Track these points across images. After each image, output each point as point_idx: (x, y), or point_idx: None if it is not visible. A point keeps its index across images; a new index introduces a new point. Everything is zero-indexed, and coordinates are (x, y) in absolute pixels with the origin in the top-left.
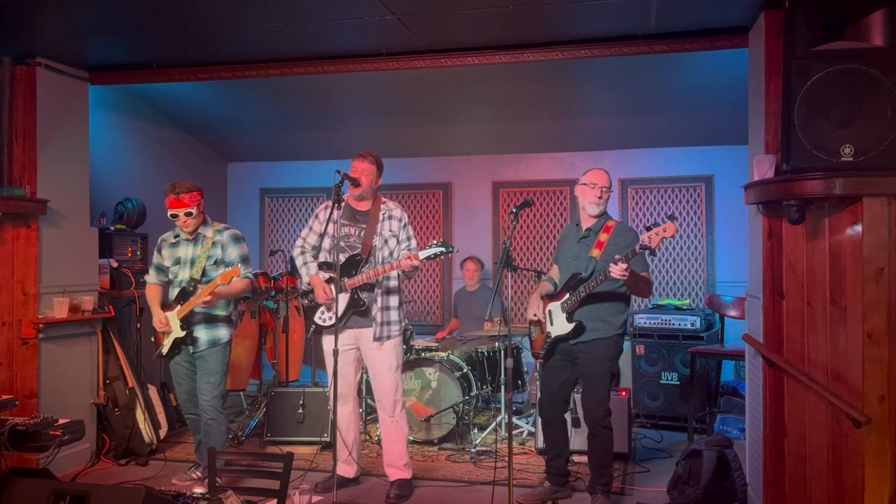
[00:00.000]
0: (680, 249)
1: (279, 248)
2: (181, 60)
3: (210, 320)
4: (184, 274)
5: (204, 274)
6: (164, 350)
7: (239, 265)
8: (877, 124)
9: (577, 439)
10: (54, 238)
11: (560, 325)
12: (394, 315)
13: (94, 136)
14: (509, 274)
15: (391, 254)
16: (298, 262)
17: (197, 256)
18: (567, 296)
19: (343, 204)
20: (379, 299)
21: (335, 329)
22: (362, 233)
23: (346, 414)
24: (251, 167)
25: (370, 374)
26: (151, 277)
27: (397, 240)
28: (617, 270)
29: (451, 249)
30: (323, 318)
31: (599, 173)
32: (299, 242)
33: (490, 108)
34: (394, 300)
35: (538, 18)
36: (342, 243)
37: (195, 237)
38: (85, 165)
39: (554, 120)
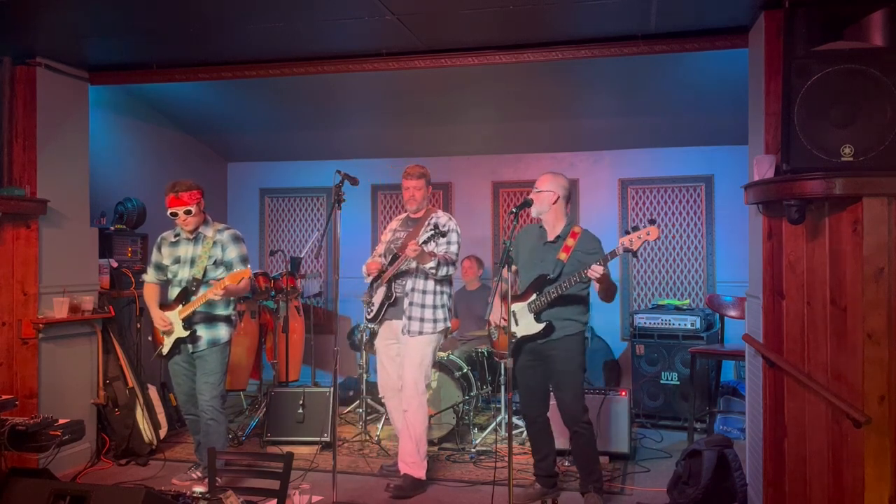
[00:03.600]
0: (680, 249)
1: (279, 248)
2: (181, 60)
3: (211, 320)
4: (184, 273)
5: (205, 274)
6: (165, 350)
7: (239, 266)
8: (877, 124)
9: (564, 440)
10: (54, 238)
11: (527, 325)
12: (428, 313)
13: (94, 136)
14: (510, 274)
15: None
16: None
17: (198, 256)
18: (534, 296)
19: (405, 216)
20: (410, 294)
21: (375, 322)
22: (406, 236)
23: (395, 407)
24: (251, 167)
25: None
26: (150, 276)
27: (436, 244)
28: (594, 272)
29: (439, 232)
30: (367, 311)
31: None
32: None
33: (490, 108)
34: (428, 298)
35: (538, 18)
36: (392, 246)
37: (196, 236)
38: (85, 165)
39: (554, 120)
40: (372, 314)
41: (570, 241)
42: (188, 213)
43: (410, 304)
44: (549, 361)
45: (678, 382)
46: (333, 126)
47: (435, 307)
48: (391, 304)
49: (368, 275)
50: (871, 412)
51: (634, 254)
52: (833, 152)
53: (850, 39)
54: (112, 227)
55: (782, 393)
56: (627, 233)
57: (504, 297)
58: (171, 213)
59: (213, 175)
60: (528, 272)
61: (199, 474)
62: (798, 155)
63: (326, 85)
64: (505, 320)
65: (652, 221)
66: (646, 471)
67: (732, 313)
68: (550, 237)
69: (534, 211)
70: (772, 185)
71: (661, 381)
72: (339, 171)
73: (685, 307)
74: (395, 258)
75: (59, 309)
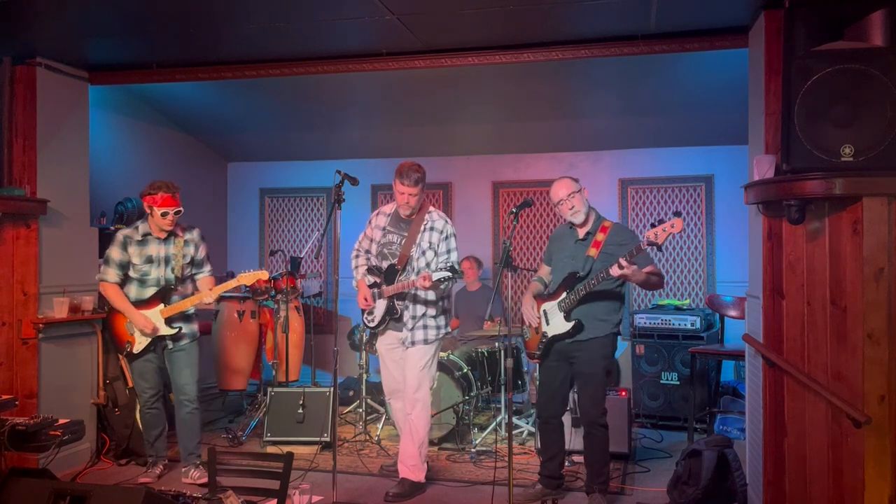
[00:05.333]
0: (680, 249)
1: (279, 248)
2: (181, 60)
3: (187, 317)
4: (158, 272)
5: (182, 272)
6: (139, 348)
7: (207, 264)
8: (877, 124)
9: (577, 439)
10: (54, 238)
11: (557, 325)
12: (430, 322)
13: (94, 136)
14: (509, 274)
15: (428, 265)
16: (352, 264)
17: (172, 255)
18: (564, 294)
19: (393, 211)
20: (411, 307)
21: (375, 332)
22: (403, 241)
23: (399, 408)
24: (251, 167)
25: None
26: (112, 276)
27: (435, 252)
28: (616, 270)
29: (457, 274)
30: (367, 318)
31: (555, 188)
32: (356, 246)
33: (490, 108)
34: (430, 310)
35: (538, 18)
36: (385, 250)
37: (167, 235)
38: (85, 165)
39: (554, 120)
40: (374, 324)
41: (599, 237)
42: (178, 213)
43: (413, 317)
44: (574, 362)
45: (678, 382)
46: (333, 126)
47: (436, 315)
48: (394, 319)
49: (367, 307)
50: (871, 412)
51: (659, 248)
52: (833, 152)
53: (850, 39)
54: (112, 227)
55: (782, 393)
56: (653, 226)
57: (538, 297)
58: (163, 213)
59: (213, 175)
60: (560, 272)
61: (197, 474)
62: (798, 155)
63: (326, 85)
64: (538, 320)
65: (677, 214)
66: (646, 471)
67: (732, 313)
68: (581, 235)
69: (579, 217)
70: (772, 185)
71: (661, 381)
72: (339, 171)
73: (685, 307)
74: (392, 269)
75: (59, 309)
